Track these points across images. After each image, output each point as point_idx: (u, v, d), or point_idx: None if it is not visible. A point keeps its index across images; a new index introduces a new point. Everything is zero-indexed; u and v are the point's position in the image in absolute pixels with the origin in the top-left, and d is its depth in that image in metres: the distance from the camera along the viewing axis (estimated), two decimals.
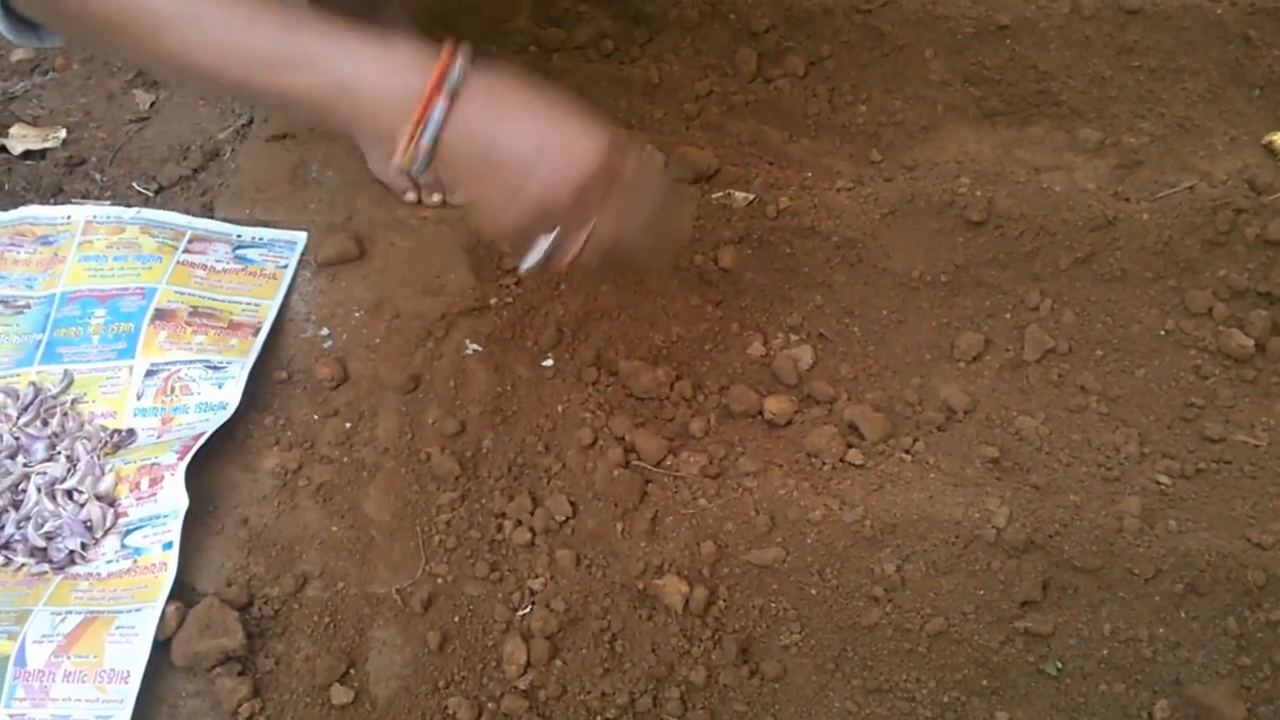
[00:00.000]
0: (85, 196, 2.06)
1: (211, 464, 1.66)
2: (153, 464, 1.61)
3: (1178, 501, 1.56)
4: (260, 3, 1.22)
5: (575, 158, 1.23)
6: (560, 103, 1.26)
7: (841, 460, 1.63)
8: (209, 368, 1.72)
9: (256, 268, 1.88)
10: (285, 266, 1.89)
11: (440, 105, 1.20)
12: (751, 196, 1.90)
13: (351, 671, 1.50)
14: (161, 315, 1.78)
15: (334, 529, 1.61)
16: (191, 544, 1.57)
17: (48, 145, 2.16)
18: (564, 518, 1.60)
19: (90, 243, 1.89)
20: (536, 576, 1.55)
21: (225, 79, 1.23)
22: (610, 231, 1.33)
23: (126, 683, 1.43)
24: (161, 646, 1.48)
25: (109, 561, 1.56)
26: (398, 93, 1.20)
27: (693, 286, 1.84)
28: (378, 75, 1.21)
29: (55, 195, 2.07)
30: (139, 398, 1.72)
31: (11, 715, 1.42)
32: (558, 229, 1.32)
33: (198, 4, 1.20)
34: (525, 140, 1.22)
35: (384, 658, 1.51)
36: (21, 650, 1.45)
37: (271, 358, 1.78)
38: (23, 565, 1.57)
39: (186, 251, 1.88)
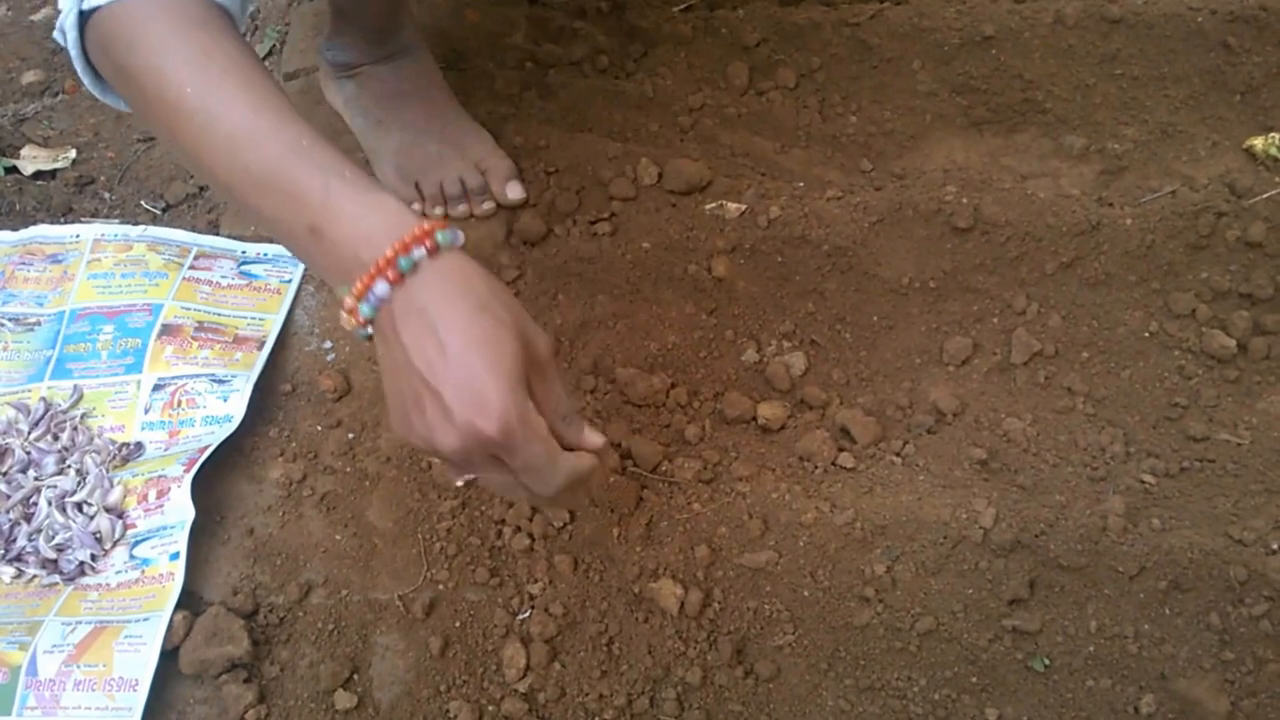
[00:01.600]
0: (94, 215, 2.09)
1: (218, 475, 1.68)
2: (160, 476, 1.64)
3: (1162, 500, 1.58)
4: (275, 120, 1.18)
5: (472, 416, 1.07)
6: (495, 340, 1.09)
7: (833, 464, 1.65)
8: (214, 381, 1.75)
9: (261, 283, 1.91)
10: (289, 281, 1.92)
11: (384, 283, 1.09)
12: (744, 207, 1.92)
13: (355, 677, 1.52)
14: (168, 330, 1.81)
15: (337, 537, 1.63)
16: (198, 554, 1.60)
17: (58, 165, 2.19)
18: (562, 524, 1.61)
19: (98, 260, 1.92)
20: (535, 581, 1.58)
21: (220, 184, 1.21)
22: (497, 488, 1.21)
23: (135, 690, 1.45)
24: (169, 654, 1.50)
25: (118, 572, 1.59)
26: (358, 252, 1.11)
27: (687, 295, 1.86)
28: (349, 230, 1.12)
29: (65, 214, 2.10)
30: (147, 412, 1.74)
31: None
32: None
33: (220, 105, 1.18)
34: (439, 368, 1.08)
35: (387, 663, 1.53)
36: (33, 660, 1.47)
37: (276, 371, 1.81)
38: (34, 577, 1.60)
39: (192, 268, 1.91)
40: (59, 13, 1.31)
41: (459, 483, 1.21)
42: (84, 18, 1.28)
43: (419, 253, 1.08)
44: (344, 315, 1.12)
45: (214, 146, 1.18)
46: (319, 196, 1.13)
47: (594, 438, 1.20)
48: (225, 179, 1.18)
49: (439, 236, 1.10)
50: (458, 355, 1.07)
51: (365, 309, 1.10)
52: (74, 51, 1.31)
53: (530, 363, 1.12)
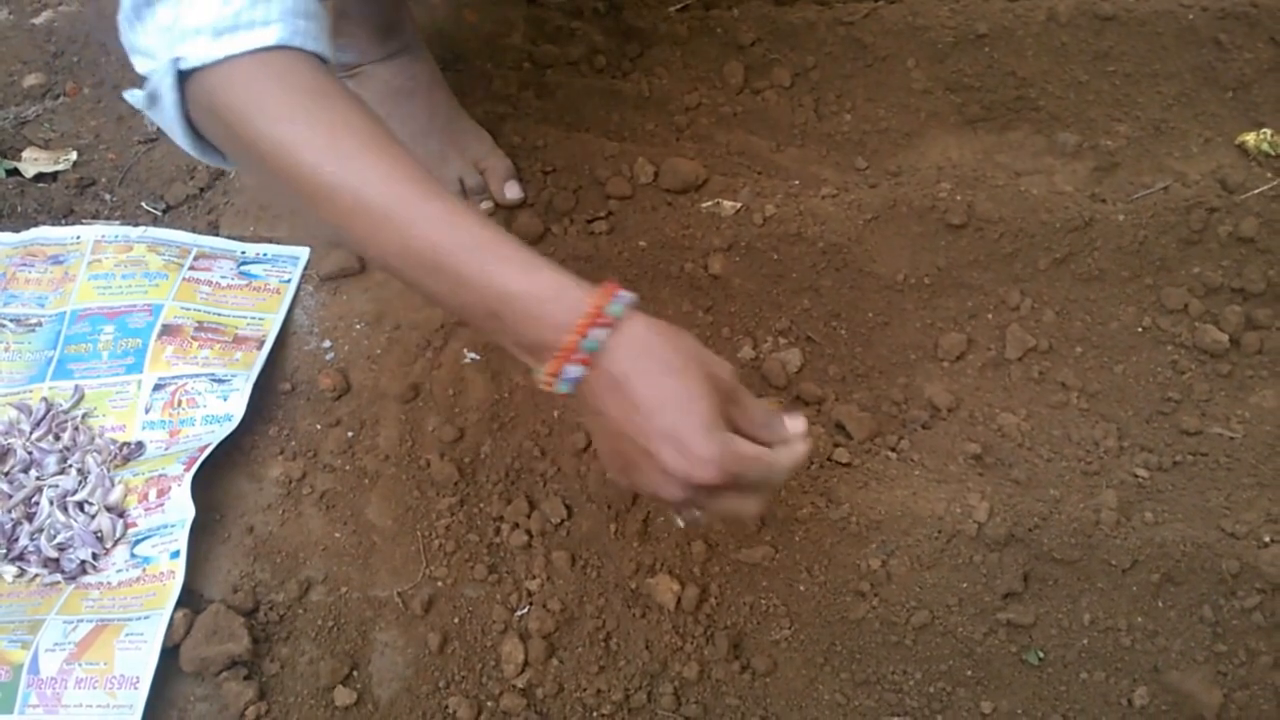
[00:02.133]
0: (95, 217, 2.09)
1: (219, 474, 1.69)
2: (160, 475, 1.65)
3: (1155, 493, 1.59)
4: (421, 193, 1.18)
5: (690, 468, 1.12)
6: (692, 397, 1.13)
7: (829, 459, 1.65)
8: (214, 381, 1.76)
9: (260, 283, 1.92)
10: (288, 281, 1.93)
11: (576, 366, 1.14)
12: (739, 205, 1.93)
13: (354, 673, 1.53)
14: (168, 331, 1.82)
15: (337, 535, 1.64)
16: (199, 552, 1.61)
17: (59, 167, 2.19)
18: (559, 520, 1.62)
19: (99, 261, 1.93)
20: (533, 578, 1.59)
21: (374, 259, 1.24)
22: (721, 519, 1.39)
23: (136, 688, 1.46)
24: (170, 652, 1.51)
25: (119, 571, 1.59)
26: (537, 336, 1.15)
27: (683, 293, 1.87)
28: (526, 314, 1.15)
29: (66, 216, 2.10)
30: (147, 411, 1.75)
31: None
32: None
33: (365, 184, 1.18)
34: (646, 432, 1.14)
35: (386, 659, 1.54)
36: (35, 658, 1.48)
37: (275, 370, 1.82)
38: (36, 576, 1.60)
39: (192, 268, 1.92)
40: (144, 77, 1.29)
41: (681, 523, 1.38)
42: (182, 77, 1.25)
43: (600, 333, 1.12)
44: (540, 377, 1.16)
45: (365, 226, 1.19)
46: (486, 281, 1.15)
47: (796, 424, 1.23)
48: (379, 256, 1.21)
49: (612, 310, 1.14)
50: (659, 419, 1.12)
51: (563, 387, 1.15)
52: (174, 113, 1.28)
53: (721, 395, 1.16)
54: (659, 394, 1.13)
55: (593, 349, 1.13)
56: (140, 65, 1.30)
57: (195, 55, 1.22)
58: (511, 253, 1.17)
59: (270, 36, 1.22)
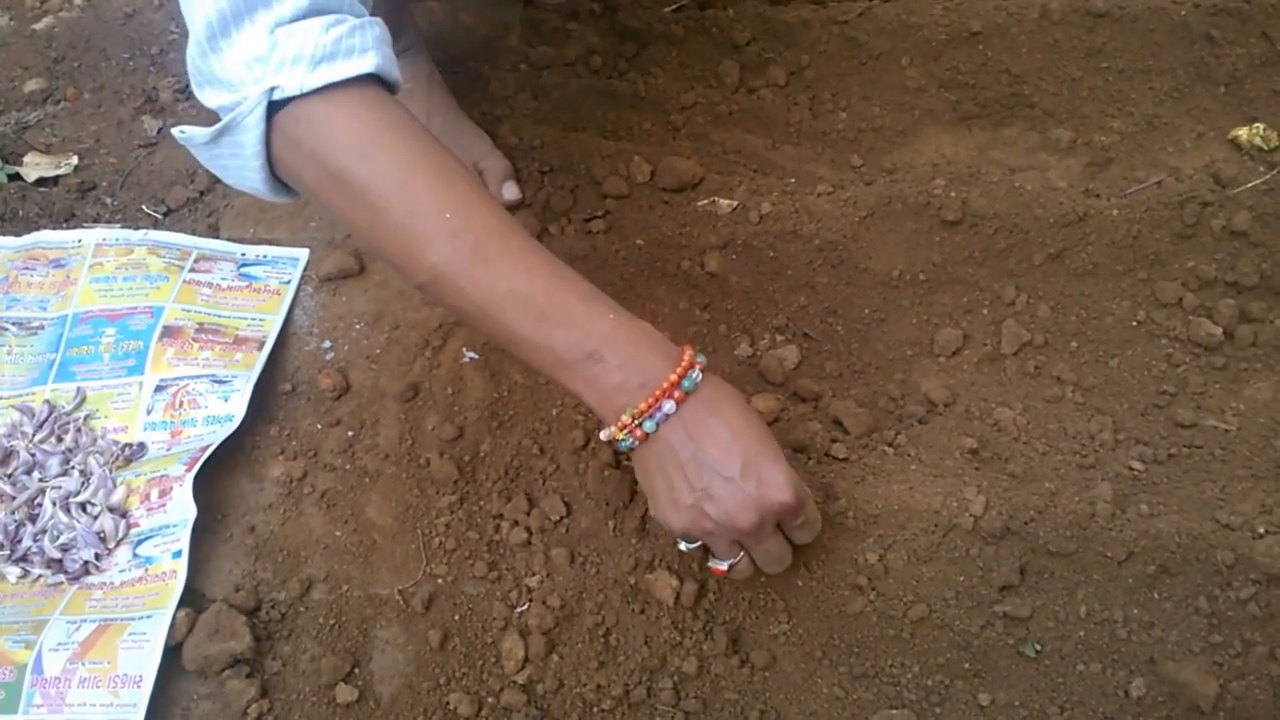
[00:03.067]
0: (96, 220, 2.10)
1: (220, 474, 1.70)
2: (162, 476, 1.66)
3: (1150, 486, 1.59)
4: (533, 246, 1.31)
5: (769, 492, 1.31)
6: (769, 436, 1.34)
7: (826, 454, 1.66)
8: (215, 382, 1.77)
9: (260, 284, 1.93)
10: (288, 282, 1.94)
11: (670, 403, 1.29)
12: (735, 203, 1.94)
13: (356, 671, 1.54)
14: (169, 332, 1.82)
15: (338, 534, 1.65)
16: (201, 552, 1.62)
17: (60, 172, 2.20)
18: (558, 517, 1.63)
19: (100, 265, 1.94)
20: (533, 575, 1.59)
21: (481, 309, 1.29)
22: (767, 560, 1.43)
23: (139, 687, 1.47)
24: (173, 651, 1.52)
25: (121, 571, 1.60)
26: (639, 377, 1.29)
27: (681, 291, 1.88)
28: (627, 354, 1.30)
29: (68, 220, 2.11)
30: (149, 412, 1.76)
31: None
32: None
33: (481, 228, 1.28)
34: (732, 459, 1.30)
35: (387, 656, 1.55)
36: (39, 658, 1.49)
37: (276, 370, 1.83)
38: (39, 576, 1.61)
39: (193, 271, 1.93)
40: (228, 109, 1.27)
41: (724, 567, 1.43)
42: (272, 112, 1.27)
43: (696, 374, 1.31)
44: (611, 430, 1.32)
45: (477, 271, 1.27)
46: (595, 324, 1.29)
47: None
48: (482, 302, 1.28)
49: (700, 358, 1.33)
50: (749, 451, 1.30)
51: (649, 424, 1.30)
52: (256, 149, 1.30)
53: None
54: (747, 433, 1.31)
55: (690, 389, 1.30)
56: (214, 99, 1.29)
57: (293, 85, 1.24)
58: (610, 303, 1.33)
59: (368, 64, 1.26)
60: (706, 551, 1.44)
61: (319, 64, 1.23)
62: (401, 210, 1.26)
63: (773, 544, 1.40)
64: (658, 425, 1.30)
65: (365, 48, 1.26)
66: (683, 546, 1.45)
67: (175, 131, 1.35)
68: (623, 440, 1.32)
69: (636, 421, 1.29)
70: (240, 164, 1.32)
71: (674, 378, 1.29)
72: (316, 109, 1.25)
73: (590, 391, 1.31)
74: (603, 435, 1.34)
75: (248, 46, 1.23)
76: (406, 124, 1.30)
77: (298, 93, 1.24)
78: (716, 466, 1.30)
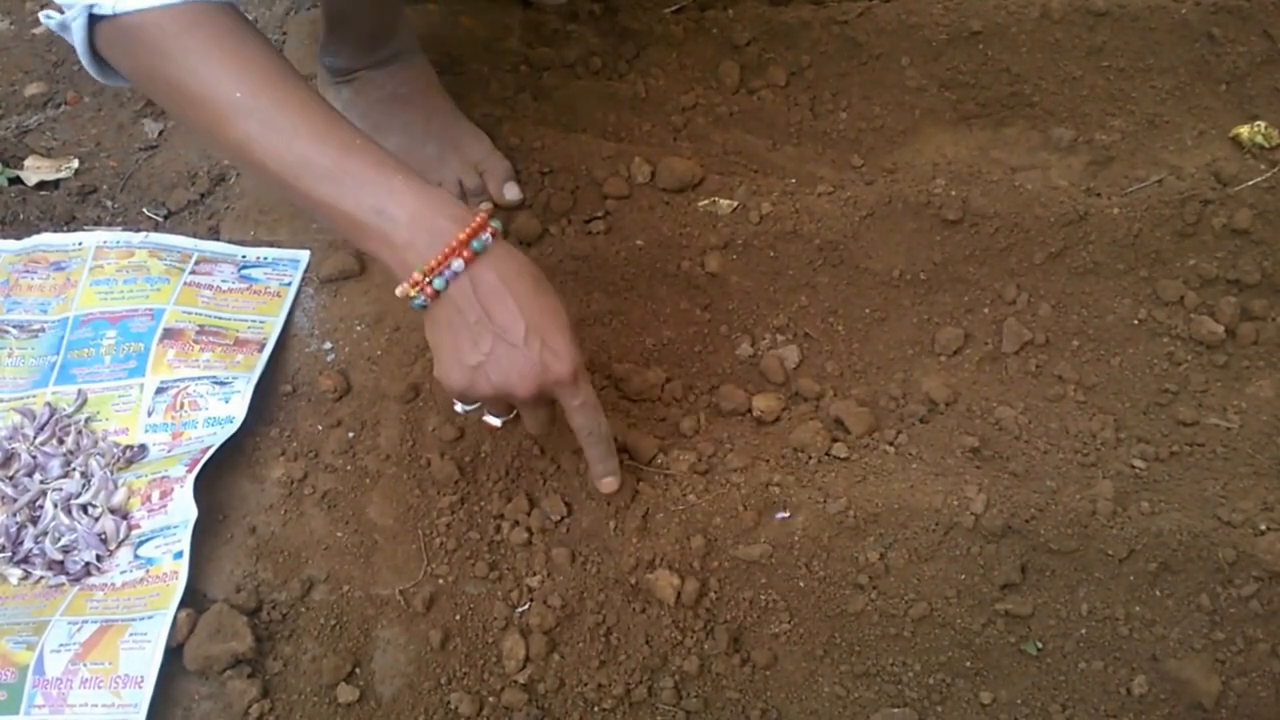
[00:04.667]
0: (97, 223, 2.10)
1: (221, 475, 1.70)
2: (163, 477, 1.65)
3: (1151, 484, 1.59)
4: (326, 118, 1.38)
5: (549, 361, 1.38)
6: (558, 308, 1.41)
7: (827, 454, 1.66)
8: (216, 383, 1.77)
9: (261, 286, 1.92)
10: (288, 284, 1.93)
11: (459, 261, 1.33)
12: (736, 203, 1.94)
13: (357, 671, 1.53)
14: (170, 334, 1.82)
15: (339, 534, 1.65)
16: (202, 553, 1.61)
17: (61, 175, 2.20)
18: (559, 517, 1.63)
19: (101, 267, 1.94)
20: (534, 574, 1.59)
21: (279, 179, 1.37)
22: (535, 425, 1.53)
23: (140, 687, 1.47)
24: (174, 651, 1.51)
25: (123, 572, 1.60)
26: (427, 235, 1.34)
27: (681, 291, 1.88)
28: (416, 213, 1.34)
29: (69, 223, 2.11)
30: (150, 414, 1.76)
31: None
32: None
33: (271, 106, 1.36)
34: (517, 324, 1.36)
35: (388, 656, 1.54)
36: (40, 659, 1.48)
37: (277, 372, 1.83)
38: (41, 578, 1.61)
39: (193, 273, 1.92)
40: (66, 6, 1.40)
41: (498, 423, 1.58)
42: (94, 20, 1.39)
43: (486, 236, 1.35)
44: (404, 287, 1.36)
45: (268, 144, 1.35)
46: (385, 184, 1.35)
47: None
48: (278, 170, 1.36)
49: (494, 223, 1.37)
50: (534, 319, 1.37)
51: (438, 282, 1.34)
52: (82, 49, 1.43)
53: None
54: (535, 300, 1.38)
55: (479, 249, 1.35)
56: None
57: (108, 4, 1.36)
58: (407, 169, 1.39)
59: None
60: (480, 412, 1.57)
61: None
62: (197, 97, 1.37)
63: (543, 413, 1.50)
64: (446, 283, 1.35)
65: None
66: (459, 408, 1.58)
67: (42, 15, 1.49)
68: (415, 298, 1.36)
69: (427, 279, 1.34)
70: (77, 51, 1.45)
71: (463, 236, 1.33)
72: (127, 21, 1.37)
73: (383, 249, 1.36)
74: (397, 292, 1.37)
75: None
76: (212, 26, 1.38)
77: (111, 13, 1.36)
78: (501, 331, 1.36)
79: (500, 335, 1.36)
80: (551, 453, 1.69)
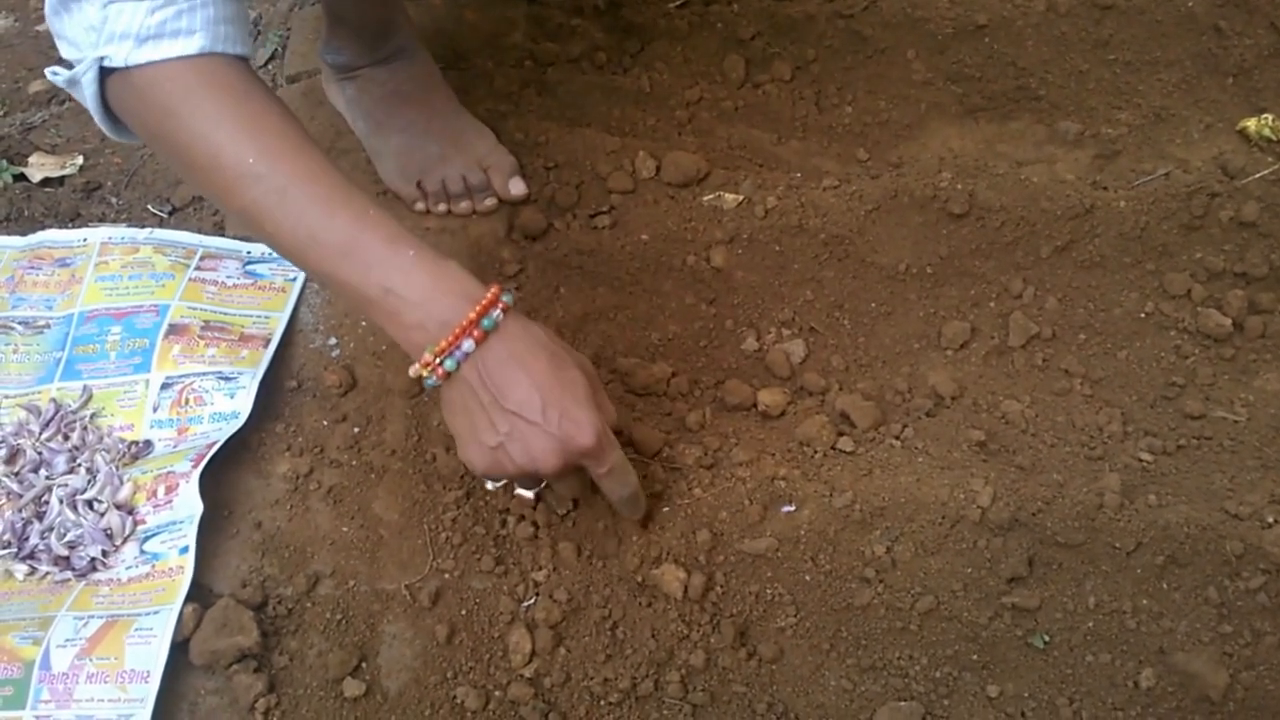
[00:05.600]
0: (102, 220, 2.11)
1: (227, 471, 1.70)
2: (168, 472, 1.65)
3: (1159, 477, 1.59)
4: (339, 190, 1.36)
5: (570, 432, 1.35)
6: (575, 378, 1.38)
7: (832, 448, 1.66)
8: (221, 379, 1.77)
9: (266, 282, 1.93)
10: (293, 280, 1.93)
11: (470, 341, 1.32)
12: (741, 197, 1.94)
13: (363, 665, 1.53)
14: (175, 330, 1.82)
15: (344, 529, 1.65)
16: (208, 548, 1.61)
17: (65, 172, 2.21)
18: (565, 512, 1.63)
19: (106, 263, 1.94)
20: (540, 569, 1.59)
21: (288, 251, 1.38)
22: (565, 494, 1.57)
23: (147, 682, 1.47)
24: (180, 646, 1.51)
25: (128, 567, 1.60)
26: (438, 315, 1.33)
27: (687, 286, 1.88)
28: (426, 292, 1.33)
29: (73, 220, 2.12)
30: (155, 410, 1.76)
31: (38, 717, 1.45)
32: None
33: (284, 175, 1.34)
34: (533, 400, 1.34)
35: (394, 651, 1.54)
36: (46, 654, 1.48)
37: (282, 367, 1.83)
38: (47, 573, 1.61)
39: (198, 269, 1.92)
40: (74, 63, 1.40)
41: (530, 495, 1.60)
42: (104, 73, 1.37)
43: (497, 313, 1.33)
44: (416, 368, 1.36)
45: (283, 212, 1.34)
46: (395, 261, 1.33)
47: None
48: (289, 242, 1.36)
49: (505, 299, 1.35)
50: (550, 393, 1.34)
51: (449, 363, 1.33)
52: (93, 104, 1.41)
53: (591, 383, 1.41)
54: (550, 374, 1.36)
55: (490, 328, 1.33)
56: (64, 51, 1.41)
57: (119, 58, 1.34)
58: (419, 244, 1.36)
59: (193, 46, 1.35)
60: (511, 486, 1.60)
61: (144, 42, 1.33)
62: (210, 159, 1.35)
63: (574, 480, 1.50)
64: (458, 364, 1.34)
65: (192, 29, 1.34)
66: (489, 485, 1.62)
67: (48, 71, 1.48)
68: (427, 378, 1.36)
69: (438, 360, 1.33)
70: (89, 108, 1.44)
71: (473, 316, 1.32)
72: (139, 77, 1.36)
73: (393, 327, 1.36)
74: (410, 372, 1.37)
75: (85, 16, 1.34)
76: (224, 85, 1.37)
77: (124, 65, 1.34)
78: (517, 409, 1.34)
79: (517, 413, 1.34)
80: None
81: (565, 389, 1.36)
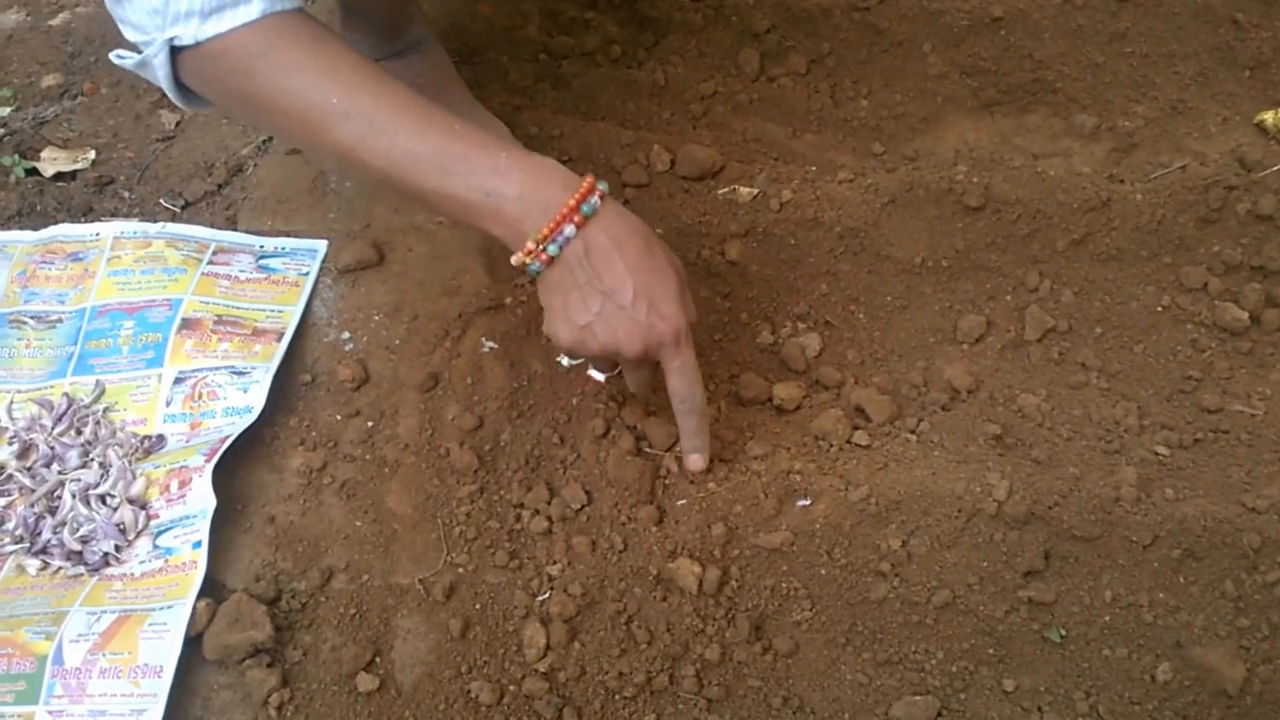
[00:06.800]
0: (114, 214, 2.10)
1: (240, 465, 1.69)
2: (181, 467, 1.65)
3: (1175, 470, 1.58)
4: (423, 110, 1.42)
5: (657, 324, 1.44)
6: (666, 270, 1.46)
7: (848, 442, 1.66)
8: (235, 373, 1.76)
9: (279, 276, 1.92)
10: (307, 274, 1.93)
11: (571, 226, 1.39)
12: (756, 191, 1.94)
13: (377, 660, 1.53)
14: (188, 325, 1.82)
15: (358, 524, 1.64)
16: (221, 542, 1.61)
17: (78, 166, 2.20)
18: (579, 506, 1.63)
19: (118, 258, 1.94)
20: (554, 563, 1.58)
21: (385, 176, 1.43)
22: (638, 385, 1.60)
23: (160, 677, 1.46)
24: (193, 641, 1.50)
25: (141, 562, 1.59)
26: (538, 206, 1.39)
27: (701, 279, 1.87)
28: (524, 187, 1.39)
29: (86, 214, 2.11)
30: (168, 404, 1.76)
31: (50, 712, 1.45)
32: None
33: (368, 106, 1.40)
34: (625, 286, 1.42)
35: (408, 645, 1.54)
36: (59, 649, 1.48)
37: (295, 362, 1.82)
38: (59, 568, 1.60)
39: (211, 263, 1.92)
40: (138, 48, 1.46)
41: (601, 378, 1.70)
42: (174, 51, 1.44)
43: (595, 200, 1.41)
44: (519, 256, 1.42)
45: (372, 143, 1.40)
46: (490, 163, 1.40)
47: None
48: (385, 167, 1.41)
49: (601, 185, 1.43)
50: (641, 280, 1.42)
51: (552, 248, 1.40)
52: (166, 82, 1.48)
53: (680, 280, 1.48)
54: (642, 261, 1.43)
55: (589, 213, 1.40)
56: (129, 35, 1.47)
57: (188, 35, 1.40)
58: (508, 145, 1.44)
59: (254, 11, 1.40)
60: (584, 367, 1.71)
61: (208, 17, 1.39)
62: (294, 110, 1.42)
63: (645, 373, 1.56)
64: (560, 248, 1.41)
65: None
66: (565, 361, 1.72)
67: (112, 55, 1.54)
68: (530, 264, 1.42)
69: (541, 246, 1.40)
70: (162, 87, 1.50)
71: (572, 203, 1.39)
72: (210, 48, 1.41)
73: (496, 225, 1.42)
74: (513, 261, 1.43)
75: (147, 1, 1.40)
76: (294, 38, 1.42)
77: (193, 42, 1.41)
78: (610, 292, 1.42)
79: (609, 296, 1.42)
80: (571, 441, 1.69)
81: (656, 279, 1.44)
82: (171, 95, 1.51)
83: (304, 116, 1.41)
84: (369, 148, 1.40)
